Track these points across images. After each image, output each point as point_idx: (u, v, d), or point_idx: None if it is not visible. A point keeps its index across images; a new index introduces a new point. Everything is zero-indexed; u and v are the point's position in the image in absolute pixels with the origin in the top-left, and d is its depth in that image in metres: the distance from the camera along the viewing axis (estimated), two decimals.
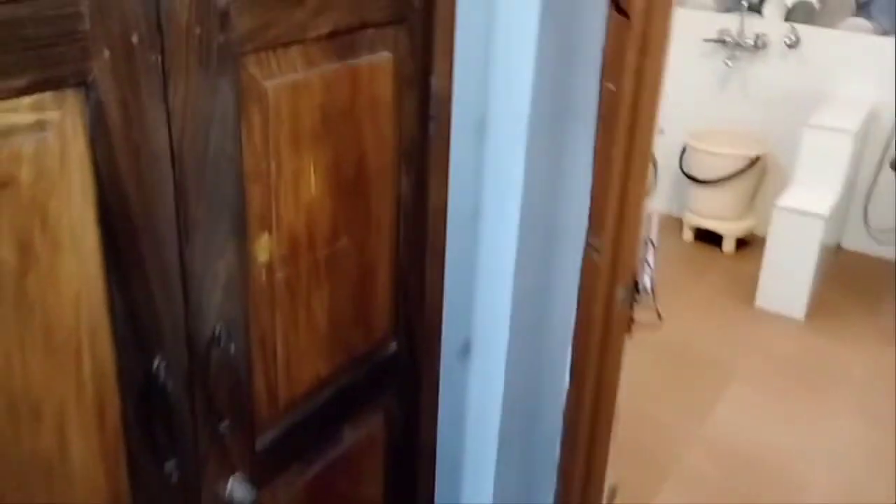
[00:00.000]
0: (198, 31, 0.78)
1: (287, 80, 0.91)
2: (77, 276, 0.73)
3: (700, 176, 3.98)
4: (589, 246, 1.26)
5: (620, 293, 1.18)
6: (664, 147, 3.69)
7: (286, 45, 0.90)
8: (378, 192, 1.11)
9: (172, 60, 0.77)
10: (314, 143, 0.97)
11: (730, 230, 4.01)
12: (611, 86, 1.08)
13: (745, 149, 3.90)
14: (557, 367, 1.61)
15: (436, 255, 1.29)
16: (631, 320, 1.22)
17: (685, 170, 4.06)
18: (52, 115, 0.68)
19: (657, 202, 4.15)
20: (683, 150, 4.06)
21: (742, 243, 4.05)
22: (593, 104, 1.17)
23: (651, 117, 1.01)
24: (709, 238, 4.07)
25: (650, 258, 3.13)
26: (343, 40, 0.98)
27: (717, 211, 4.00)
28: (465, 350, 1.56)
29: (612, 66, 1.00)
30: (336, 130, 1.00)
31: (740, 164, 3.87)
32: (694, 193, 4.06)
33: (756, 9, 3.99)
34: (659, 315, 3.29)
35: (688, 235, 4.15)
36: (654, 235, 3.21)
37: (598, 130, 1.05)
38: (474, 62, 1.35)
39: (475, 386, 1.58)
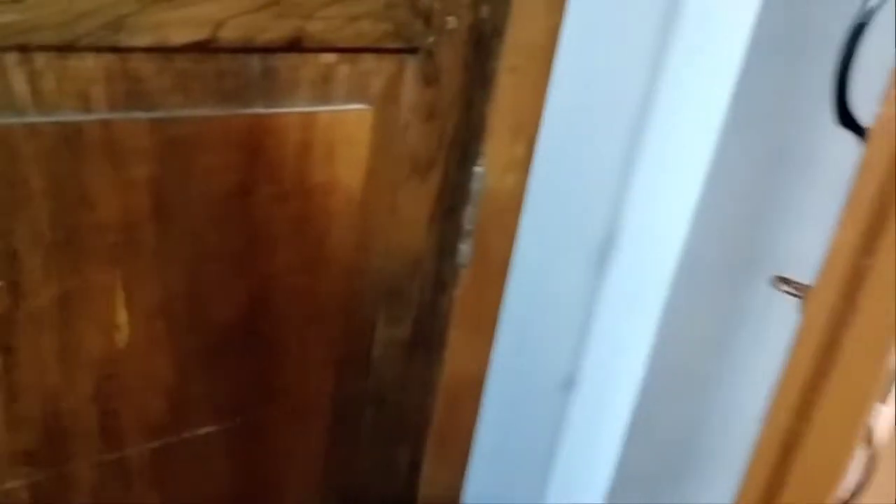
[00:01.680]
0: None
1: (47, 122, 0.44)
2: None
3: None
4: None
5: None
6: None
7: (60, 49, 0.43)
8: (305, 346, 0.61)
9: None
10: (130, 249, 0.49)
11: None
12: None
13: None
14: None
15: (448, 464, 0.76)
16: None
17: None
18: None
19: None
20: None
21: None
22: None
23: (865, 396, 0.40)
24: None
25: None
26: (238, 65, 0.49)
27: None
28: None
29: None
30: (195, 231, 0.51)
31: None
32: None
33: None
34: None
35: None
36: None
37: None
38: (602, 145, 0.80)
39: None
